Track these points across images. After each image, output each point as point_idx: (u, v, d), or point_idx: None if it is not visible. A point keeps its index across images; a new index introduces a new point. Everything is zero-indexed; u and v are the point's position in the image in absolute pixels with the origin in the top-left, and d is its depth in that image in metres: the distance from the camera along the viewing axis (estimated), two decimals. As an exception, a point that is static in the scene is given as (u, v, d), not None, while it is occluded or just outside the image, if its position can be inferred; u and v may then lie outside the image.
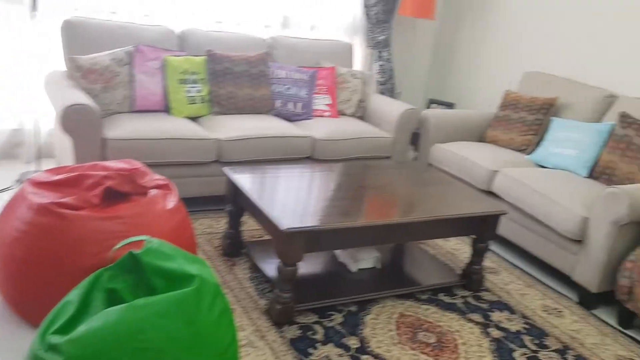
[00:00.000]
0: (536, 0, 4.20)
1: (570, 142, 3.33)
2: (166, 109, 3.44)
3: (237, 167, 2.76)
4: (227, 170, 2.70)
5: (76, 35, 3.30)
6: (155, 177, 2.39)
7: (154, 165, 3.06)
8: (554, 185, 2.98)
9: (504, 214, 2.67)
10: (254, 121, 3.50)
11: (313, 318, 2.42)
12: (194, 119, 3.52)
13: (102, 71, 3.12)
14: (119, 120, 3.09)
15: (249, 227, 3.22)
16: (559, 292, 2.94)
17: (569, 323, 2.65)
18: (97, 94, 3.10)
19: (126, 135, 2.94)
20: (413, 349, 2.29)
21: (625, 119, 3.14)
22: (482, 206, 2.68)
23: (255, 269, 2.76)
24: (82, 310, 1.69)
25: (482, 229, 2.70)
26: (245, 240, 2.94)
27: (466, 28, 4.85)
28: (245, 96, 3.66)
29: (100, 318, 1.51)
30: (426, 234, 2.60)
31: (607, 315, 2.77)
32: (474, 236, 2.75)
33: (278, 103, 3.82)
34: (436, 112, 3.90)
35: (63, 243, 1.94)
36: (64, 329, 1.58)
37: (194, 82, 3.49)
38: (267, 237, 3.10)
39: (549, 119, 3.63)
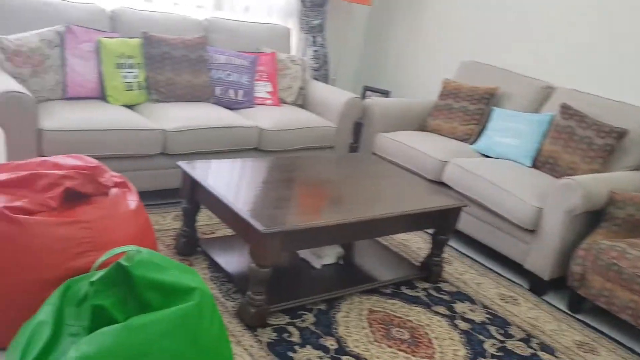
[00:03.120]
0: (471, -7, 4.30)
1: (512, 132, 3.45)
2: (101, 96, 3.14)
3: (191, 160, 2.58)
4: (183, 165, 2.51)
5: (-7, 11, 2.91)
6: (112, 174, 2.17)
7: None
8: (504, 176, 3.07)
9: (466, 206, 2.70)
10: (197, 110, 3.29)
11: (285, 319, 2.33)
12: (131, 107, 3.25)
13: (30, 54, 2.78)
14: (52, 109, 2.77)
15: (198, 222, 3.04)
16: (510, 280, 3.05)
17: (526, 310, 2.76)
18: (26, 79, 2.76)
19: (64, 126, 2.65)
20: (390, 346, 2.27)
21: (567, 110, 3.29)
22: (443, 200, 2.70)
23: (215, 268, 2.61)
24: (57, 330, 1.49)
25: (442, 222, 2.72)
26: (200, 238, 2.76)
27: (402, 14, 4.87)
28: (185, 83, 3.43)
29: (93, 342, 1.33)
30: (391, 229, 2.58)
31: (557, 300, 2.91)
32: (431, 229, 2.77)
33: (218, 90, 3.62)
34: (380, 100, 3.89)
35: (21, 254, 1.69)
36: (44, 356, 1.38)
37: (130, 67, 3.22)
38: (221, 233, 2.94)
39: (490, 108, 3.74)
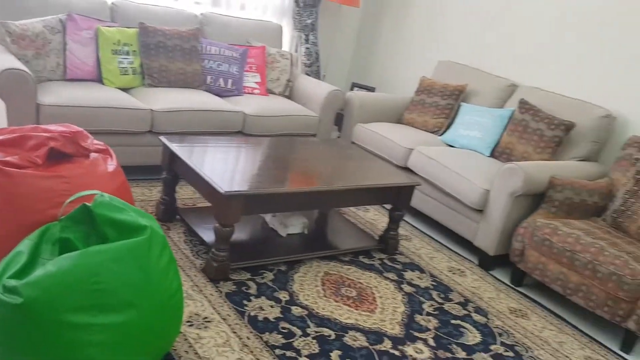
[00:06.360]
0: (451, -5, 4.57)
1: (477, 125, 3.72)
2: (98, 79, 3.48)
3: (172, 137, 2.89)
4: (164, 138, 2.82)
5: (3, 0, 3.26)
6: (95, 142, 2.49)
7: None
8: (460, 162, 3.35)
9: (418, 185, 2.99)
10: (186, 94, 3.61)
11: (246, 276, 2.63)
12: (125, 90, 3.58)
13: (34, 38, 3.12)
14: (51, 87, 3.11)
15: (182, 195, 3.35)
16: (462, 256, 3.32)
17: (470, 281, 3.03)
18: (29, 60, 3.10)
19: (60, 102, 2.98)
20: (336, 301, 2.56)
21: (524, 105, 3.55)
22: (399, 178, 2.98)
23: (190, 234, 2.92)
24: (33, 260, 1.80)
25: (398, 199, 3.01)
26: (179, 207, 3.08)
27: (388, 17, 5.17)
28: (177, 70, 3.75)
29: (56, 263, 1.63)
30: (349, 201, 2.87)
31: (502, 275, 3.18)
32: (390, 205, 3.05)
33: (209, 79, 3.94)
34: (360, 94, 4.18)
35: (10, 200, 2.01)
36: (18, 275, 1.69)
37: (127, 53, 3.55)
38: (200, 205, 3.25)
39: (458, 104, 4.01)
